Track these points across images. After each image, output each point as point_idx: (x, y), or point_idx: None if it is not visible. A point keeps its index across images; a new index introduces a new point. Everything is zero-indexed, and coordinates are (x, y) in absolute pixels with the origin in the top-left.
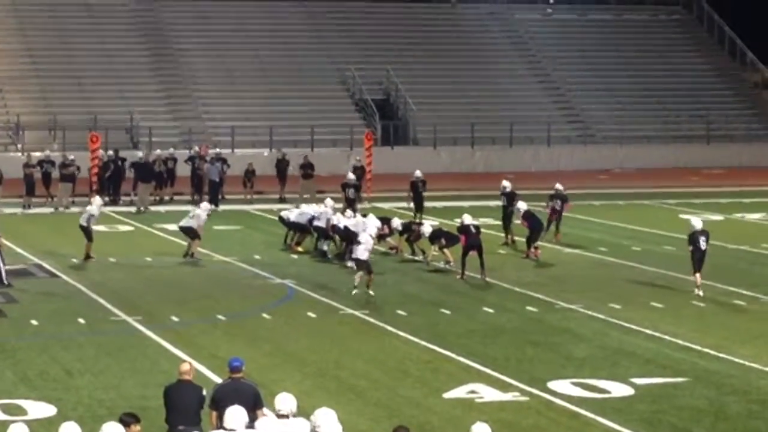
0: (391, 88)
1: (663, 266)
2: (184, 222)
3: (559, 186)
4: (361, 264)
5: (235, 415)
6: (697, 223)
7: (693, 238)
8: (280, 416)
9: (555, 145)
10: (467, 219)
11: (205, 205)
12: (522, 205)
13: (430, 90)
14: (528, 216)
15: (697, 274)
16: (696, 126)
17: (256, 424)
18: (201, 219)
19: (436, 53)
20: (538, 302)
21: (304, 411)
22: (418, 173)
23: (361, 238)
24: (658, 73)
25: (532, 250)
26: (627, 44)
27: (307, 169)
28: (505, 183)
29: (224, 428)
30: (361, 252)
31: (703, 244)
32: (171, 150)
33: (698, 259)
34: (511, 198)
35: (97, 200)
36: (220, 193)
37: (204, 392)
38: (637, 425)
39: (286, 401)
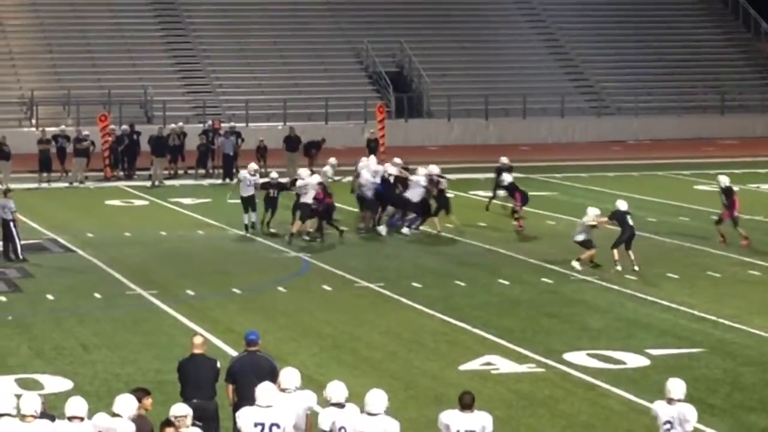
0: (404, 60)
1: (678, 237)
2: (244, 192)
3: (723, 178)
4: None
5: (268, 391)
6: (621, 204)
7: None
8: (284, 391)
9: (568, 116)
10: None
11: (252, 166)
12: (507, 177)
13: (443, 62)
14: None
15: (616, 251)
16: (710, 97)
17: None
18: (247, 180)
19: (450, 25)
20: (553, 274)
21: (320, 384)
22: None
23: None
24: (672, 44)
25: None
26: (641, 15)
27: (290, 141)
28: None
29: (258, 406)
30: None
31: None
32: (180, 124)
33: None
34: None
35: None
36: (234, 167)
37: (218, 364)
38: (653, 396)
39: (290, 377)
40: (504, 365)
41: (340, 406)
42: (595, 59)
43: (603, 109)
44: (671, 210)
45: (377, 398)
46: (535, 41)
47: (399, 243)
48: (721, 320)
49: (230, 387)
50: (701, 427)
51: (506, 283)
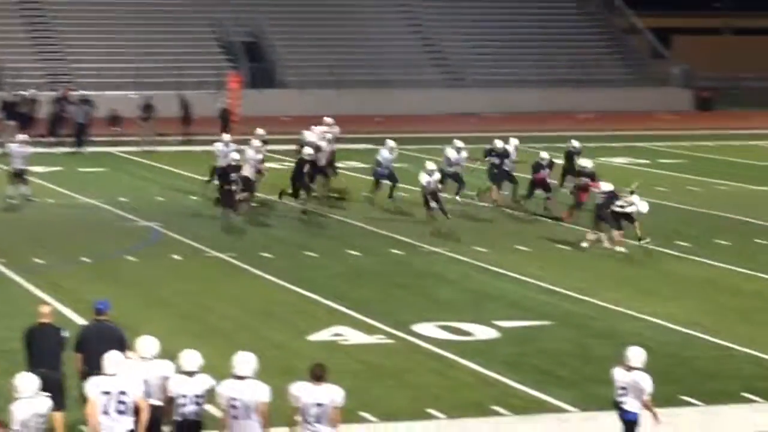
0: (258, 30)
1: (530, 210)
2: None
3: (583, 162)
4: None
5: (113, 359)
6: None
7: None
8: (142, 359)
9: (423, 88)
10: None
11: (20, 137)
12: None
13: (297, 32)
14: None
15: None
16: (565, 70)
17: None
18: (16, 153)
19: None
20: (403, 245)
21: (170, 353)
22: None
23: None
24: (527, 17)
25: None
26: None
27: (147, 110)
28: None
29: (104, 374)
30: None
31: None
32: (32, 91)
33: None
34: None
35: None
36: (86, 135)
37: (65, 333)
38: (501, 367)
39: (148, 345)
40: (353, 336)
41: (190, 374)
42: (449, 31)
43: (457, 81)
44: (524, 183)
45: (246, 360)
46: (389, 12)
47: (251, 214)
48: (569, 293)
49: (78, 356)
50: (549, 399)
51: (357, 254)
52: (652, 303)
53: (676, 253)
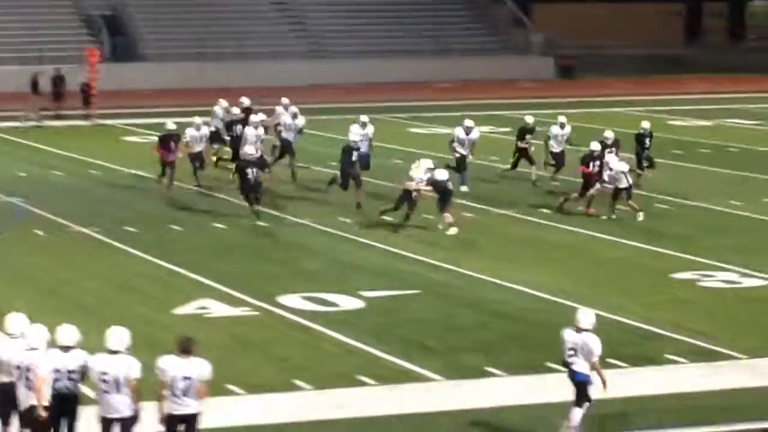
0: (118, 3)
1: (387, 179)
2: None
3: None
4: None
5: (36, 333)
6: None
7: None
8: (10, 336)
9: (285, 60)
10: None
11: None
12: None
13: (158, 5)
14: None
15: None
16: (427, 40)
17: None
18: None
19: None
20: (268, 217)
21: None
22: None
23: None
24: None
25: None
26: None
27: (33, 85)
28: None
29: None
30: None
31: None
32: None
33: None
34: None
35: None
36: None
37: None
38: (368, 338)
39: (16, 322)
40: (218, 309)
41: (65, 349)
42: (310, 2)
43: (320, 53)
44: (386, 152)
45: (119, 335)
46: None
47: (115, 188)
48: (435, 262)
49: None
50: (415, 368)
51: (221, 226)
52: (517, 271)
53: (539, 221)
